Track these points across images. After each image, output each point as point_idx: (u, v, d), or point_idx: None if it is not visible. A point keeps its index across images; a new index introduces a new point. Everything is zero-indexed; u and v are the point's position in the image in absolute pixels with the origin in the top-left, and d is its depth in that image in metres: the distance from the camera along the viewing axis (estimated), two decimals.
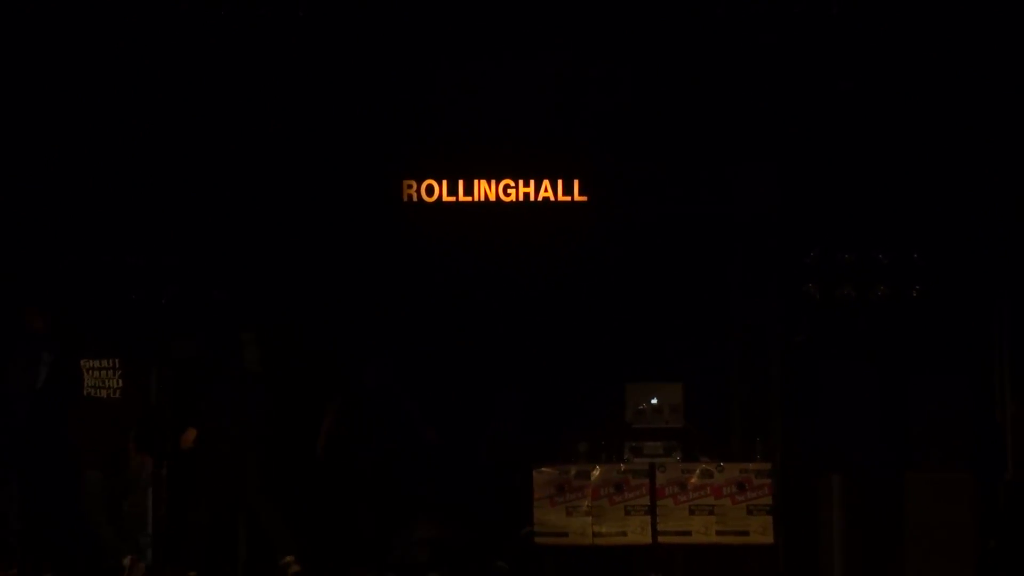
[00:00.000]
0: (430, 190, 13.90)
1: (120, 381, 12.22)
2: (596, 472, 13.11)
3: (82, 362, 12.19)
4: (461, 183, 13.89)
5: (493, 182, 13.88)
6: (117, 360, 12.23)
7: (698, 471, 13.18)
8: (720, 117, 13.68)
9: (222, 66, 13.21)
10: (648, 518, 13.09)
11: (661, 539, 12.97)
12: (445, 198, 13.88)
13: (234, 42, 13.15)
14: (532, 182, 13.89)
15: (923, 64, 13.26)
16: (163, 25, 12.99)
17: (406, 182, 13.88)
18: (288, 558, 12.28)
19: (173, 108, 13.39)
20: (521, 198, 13.89)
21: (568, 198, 13.90)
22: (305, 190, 13.85)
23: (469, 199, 13.89)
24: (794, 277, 14.00)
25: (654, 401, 13.49)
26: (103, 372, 12.22)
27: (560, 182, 13.90)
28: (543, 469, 13.00)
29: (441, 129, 13.70)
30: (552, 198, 13.90)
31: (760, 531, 12.98)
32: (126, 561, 12.11)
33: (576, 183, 13.90)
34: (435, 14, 13.20)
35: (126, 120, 13.38)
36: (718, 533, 13.04)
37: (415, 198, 13.89)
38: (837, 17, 13.01)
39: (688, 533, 13.00)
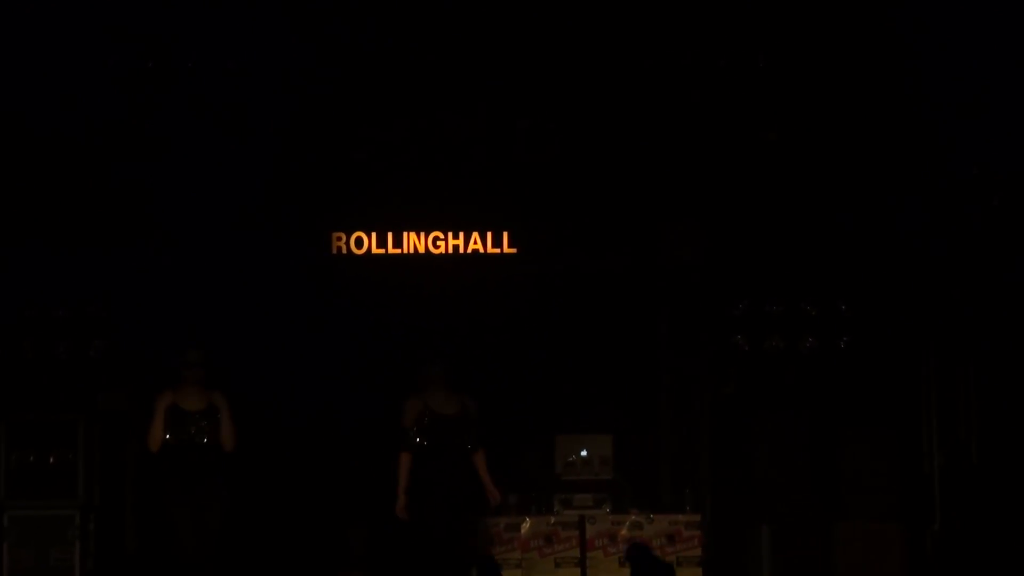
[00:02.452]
0: (359, 242, 13.89)
1: None
2: (526, 524, 13.12)
3: None
4: (390, 235, 13.88)
5: (423, 234, 13.89)
6: None
7: (628, 523, 13.22)
8: (647, 170, 13.74)
9: (147, 118, 13.15)
10: (578, 570, 13.10)
11: None
12: (375, 250, 13.88)
13: (163, 92, 13.12)
14: (462, 234, 13.91)
15: (849, 116, 13.37)
16: (86, 79, 12.95)
17: (335, 234, 13.86)
18: None
19: (101, 156, 13.34)
20: (451, 250, 13.91)
21: (498, 250, 13.93)
22: (233, 242, 13.79)
23: (398, 251, 13.88)
24: (722, 329, 14.04)
25: (584, 453, 13.53)
26: None
27: (490, 234, 13.93)
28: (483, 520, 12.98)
29: (370, 181, 13.68)
30: (482, 250, 13.92)
31: None
32: None
33: (506, 235, 13.93)
34: (366, 67, 13.21)
35: (51, 162, 13.33)
36: None
37: (344, 250, 13.87)
38: (763, 70, 13.11)
39: None
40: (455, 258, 13.90)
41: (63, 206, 13.50)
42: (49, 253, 13.55)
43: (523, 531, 13.07)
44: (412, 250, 13.88)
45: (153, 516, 12.67)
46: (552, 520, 13.22)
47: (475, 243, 13.91)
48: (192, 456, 11.50)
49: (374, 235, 13.88)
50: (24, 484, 13.45)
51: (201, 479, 11.46)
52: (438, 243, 13.91)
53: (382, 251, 13.88)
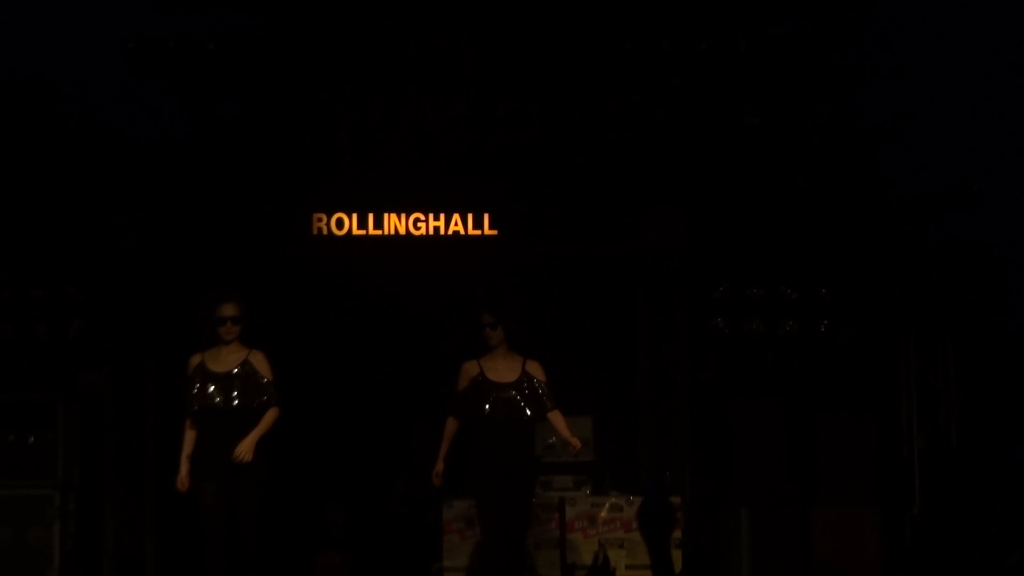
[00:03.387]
0: (340, 223, 13.89)
1: None
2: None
3: None
4: (371, 216, 13.88)
5: (403, 216, 13.89)
6: None
7: (607, 505, 13.22)
8: (629, 153, 13.75)
9: (130, 99, 13.15)
10: (557, 552, 13.10)
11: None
12: (355, 231, 13.88)
13: (143, 75, 13.11)
14: (443, 216, 13.92)
15: (828, 99, 13.39)
16: (67, 62, 12.94)
17: (316, 215, 13.86)
18: None
19: (79, 136, 13.32)
20: (431, 232, 13.91)
21: (478, 232, 13.93)
22: (214, 222, 13.81)
23: (379, 232, 13.88)
24: (702, 312, 14.06)
25: None
26: None
27: (471, 216, 13.93)
28: (453, 503, 12.98)
29: (351, 162, 13.69)
30: (462, 232, 13.93)
31: None
32: None
33: (486, 217, 13.93)
34: (347, 48, 13.22)
35: (27, 150, 13.31)
36: (628, 567, 13.07)
37: (325, 231, 13.88)
38: (743, 54, 13.12)
39: None
40: (436, 239, 13.90)
41: (42, 183, 13.49)
42: (27, 232, 13.54)
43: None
44: (393, 231, 13.87)
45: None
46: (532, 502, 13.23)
47: (456, 225, 13.91)
48: (218, 422, 10.51)
49: (355, 216, 13.87)
50: (3, 464, 13.46)
51: (229, 448, 10.42)
52: (419, 224, 13.90)
53: (363, 232, 13.88)
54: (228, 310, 10.62)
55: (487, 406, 10.89)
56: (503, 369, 11.00)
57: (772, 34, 13.25)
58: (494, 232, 13.94)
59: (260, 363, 10.61)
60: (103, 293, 13.78)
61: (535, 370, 11.11)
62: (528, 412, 10.99)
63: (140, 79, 13.14)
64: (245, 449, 10.39)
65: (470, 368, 11.02)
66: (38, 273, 13.69)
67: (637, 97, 13.52)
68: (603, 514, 13.19)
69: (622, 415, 14.23)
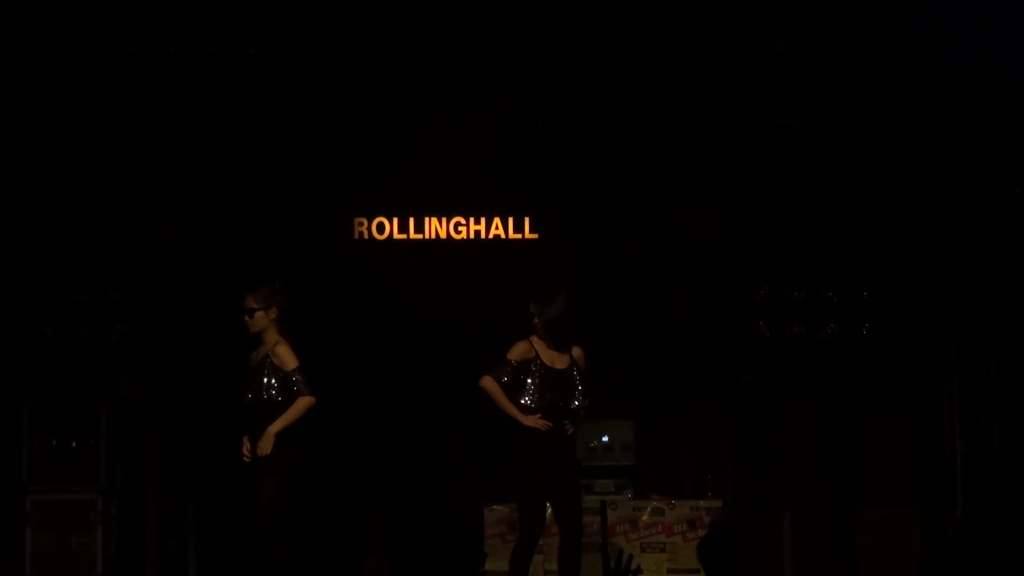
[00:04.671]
0: (381, 228, 13.90)
1: None
2: (548, 510, 13.08)
3: None
4: (412, 220, 13.89)
5: (444, 220, 13.89)
6: None
7: (649, 509, 13.21)
8: (669, 155, 13.73)
9: (171, 104, 13.17)
10: (599, 556, 13.08)
11: None
12: (396, 235, 13.89)
13: (184, 80, 13.13)
14: (483, 220, 13.92)
15: (869, 102, 13.34)
16: (110, 67, 12.97)
17: (357, 219, 13.87)
18: None
19: (122, 141, 13.36)
20: (472, 236, 13.92)
21: (519, 236, 13.93)
22: (255, 227, 13.84)
23: (420, 236, 13.90)
24: (743, 315, 14.03)
25: (605, 439, 13.51)
26: None
27: (511, 220, 13.93)
28: (494, 507, 12.98)
29: (392, 166, 13.69)
30: (503, 235, 13.92)
31: None
32: None
33: (527, 221, 13.93)
34: (387, 52, 13.22)
35: (70, 155, 13.35)
36: (669, 571, 13.08)
37: (366, 235, 13.89)
38: (784, 55, 13.09)
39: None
40: (476, 243, 13.90)
41: (84, 190, 13.53)
42: (70, 237, 13.59)
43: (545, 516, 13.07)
44: (434, 235, 13.88)
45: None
46: None
47: (496, 228, 13.91)
48: (246, 418, 10.27)
49: (396, 220, 13.88)
50: (46, 469, 13.52)
51: (253, 444, 10.17)
52: (459, 228, 13.91)
53: (404, 236, 13.89)
54: (247, 303, 10.40)
55: (539, 393, 10.51)
56: (556, 355, 10.63)
57: (812, 36, 13.19)
58: (535, 236, 13.94)
59: (280, 354, 10.22)
60: (145, 297, 13.81)
61: (581, 360, 10.76)
62: (575, 403, 10.61)
63: (181, 84, 13.14)
64: (263, 443, 10.11)
65: (525, 347, 10.62)
66: (80, 277, 13.73)
67: (676, 99, 13.49)
68: (645, 518, 13.18)
69: (663, 418, 14.24)
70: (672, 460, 14.18)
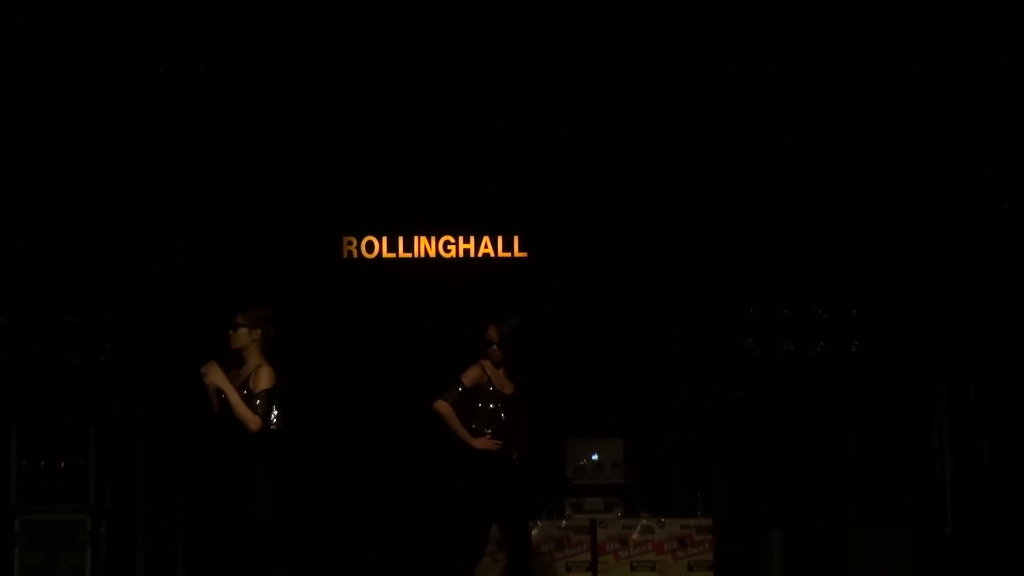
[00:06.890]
0: (370, 246, 13.91)
1: None
2: (537, 528, 13.09)
3: None
4: (401, 239, 13.91)
5: (433, 238, 13.91)
6: None
7: (639, 527, 13.21)
8: (658, 174, 13.75)
9: (161, 124, 13.17)
10: (589, 574, 13.09)
11: None
12: (385, 254, 13.90)
13: (174, 100, 13.13)
14: (472, 238, 13.93)
15: (858, 121, 13.36)
16: (100, 87, 12.97)
17: (346, 238, 13.89)
18: None
19: (112, 161, 13.36)
20: (461, 254, 13.92)
21: (508, 254, 13.94)
22: (244, 246, 13.84)
23: (409, 255, 13.90)
24: (733, 332, 14.05)
25: (595, 457, 13.52)
26: None
27: (500, 238, 13.94)
28: None
29: (381, 185, 13.70)
30: (492, 254, 13.93)
31: None
32: None
33: (516, 239, 13.94)
34: (377, 72, 13.23)
35: (60, 175, 13.36)
36: None
37: (355, 254, 13.89)
38: (773, 74, 13.11)
39: None
40: (466, 262, 13.90)
41: (74, 210, 13.54)
42: (60, 257, 13.59)
43: (534, 535, 13.05)
44: (423, 254, 13.89)
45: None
46: (563, 524, 13.22)
47: (486, 247, 13.92)
48: (227, 439, 10.01)
49: (385, 239, 13.90)
50: (35, 489, 13.49)
51: (233, 466, 9.98)
52: (449, 247, 13.92)
53: (393, 255, 13.89)
54: (236, 317, 10.17)
55: (489, 416, 10.58)
56: (503, 380, 10.69)
57: (800, 55, 13.22)
58: (524, 254, 13.95)
59: (260, 375, 9.99)
60: (135, 318, 13.82)
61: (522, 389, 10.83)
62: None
63: (172, 104, 13.15)
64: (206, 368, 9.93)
65: (478, 372, 10.66)
66: (70, 298, 13.72)
67: (666, 118, 13.51)
68: (635, 536, 13.19)
69: (653, 436, 14.24)
70: (662, 478, 14.17)
